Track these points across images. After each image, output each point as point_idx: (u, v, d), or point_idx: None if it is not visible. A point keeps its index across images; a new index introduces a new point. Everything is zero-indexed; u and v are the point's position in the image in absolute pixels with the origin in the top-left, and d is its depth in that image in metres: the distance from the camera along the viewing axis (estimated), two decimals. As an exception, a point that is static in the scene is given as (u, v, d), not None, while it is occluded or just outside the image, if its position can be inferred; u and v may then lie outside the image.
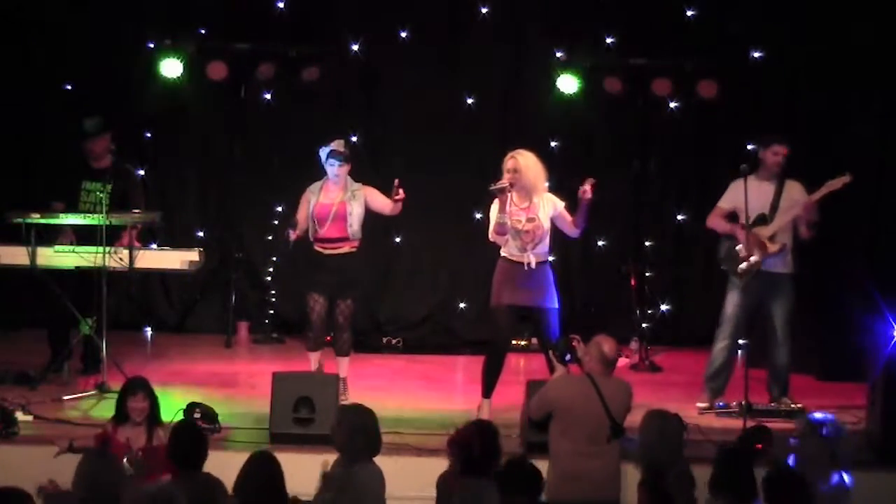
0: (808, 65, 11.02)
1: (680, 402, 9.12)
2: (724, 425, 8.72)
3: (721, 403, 9.21)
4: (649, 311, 11.45)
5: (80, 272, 9.27)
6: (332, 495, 6.29)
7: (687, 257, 11.72)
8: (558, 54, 11.43)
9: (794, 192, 9.19)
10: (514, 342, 10.43)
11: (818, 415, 7.13)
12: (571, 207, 8.77)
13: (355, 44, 11.54)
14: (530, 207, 8.69)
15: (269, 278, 11.82)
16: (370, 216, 9.41)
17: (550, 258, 8.91)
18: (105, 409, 8.37)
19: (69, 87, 11.52)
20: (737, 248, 9.20)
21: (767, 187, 9.14)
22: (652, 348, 11.12)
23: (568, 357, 7.53)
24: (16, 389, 9.05)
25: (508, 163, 8.68)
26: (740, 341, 10.11)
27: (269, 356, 11.07)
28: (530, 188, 8.66)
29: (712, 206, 9.39)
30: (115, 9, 11.36)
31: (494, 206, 8.67)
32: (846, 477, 6.54)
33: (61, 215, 9.37)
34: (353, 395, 9.18)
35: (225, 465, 6.43)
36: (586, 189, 8.53)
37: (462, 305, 11.79)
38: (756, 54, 11.23)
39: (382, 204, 9.30)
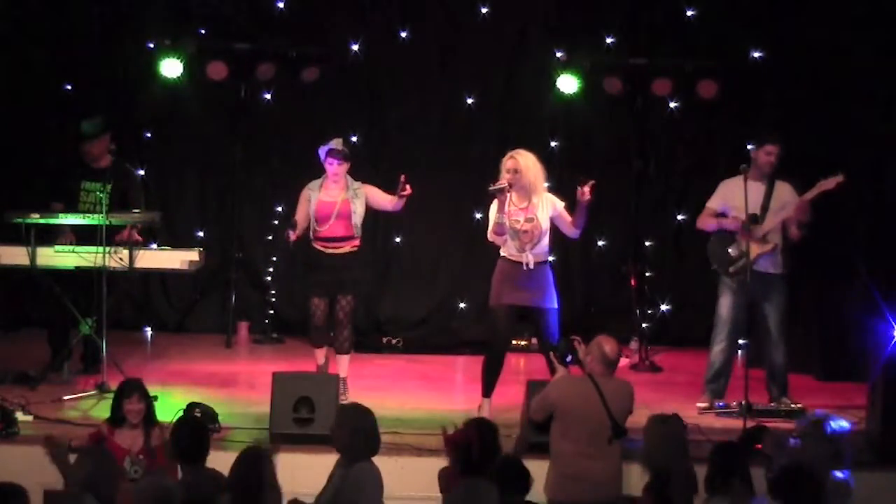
0: (808, 65, 11.02)
1: (680, 402, 9.12)
2: (724, 425, 8.73)
3: (721, 403, 9.21)
4: (649, 311, 11.45)
5: (80, 272, 9.27)
6: (332, 495, 6.29)
7: (687, 257, 11.72)
8: (558, 54, 11.43)
9: (784, 192, 9.19)
10: (514, 342, 10.44)
11: (821, 413, 7.13)
12: (571, 208, 8.77)
13: (355, 44, 11.54)
14: (529, 207, 8.69)
15: (269, 278, 11.82)
16: (369, 215, 9.42)
17: (550, 258, 8.92)
18: (105, 410, 8.33)
19: (69, 88, 11.52)
20: (728, 248, 9.22)
21: (758, 187, 9.14)
22: (652, 348, 11.12)
23: (569, 358, 7.52)
24: (16, 389, 9.04)
25: (508, 163, 8.68)
26: (740, 341, 10.12)
27: (269, 356, 11.07)
28: (529, 188, 8.67)
29: (712, 206, 9.43)
30: (115, 9, 11.36)
31: (494, 207, 8.68)
32: (847, 475, 6.53)
33: (61, 215, 9.37)
34: (353, 395, 9.19)
35: (225, 465, 6.41)
36: (585, 191, 8.52)
37: (462, 305, 11.79)
38: (756, 54, 11.23)
39: (384, 200, 9.35)
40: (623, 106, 11.47)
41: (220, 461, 6.57)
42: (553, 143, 11.62)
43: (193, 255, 9.51)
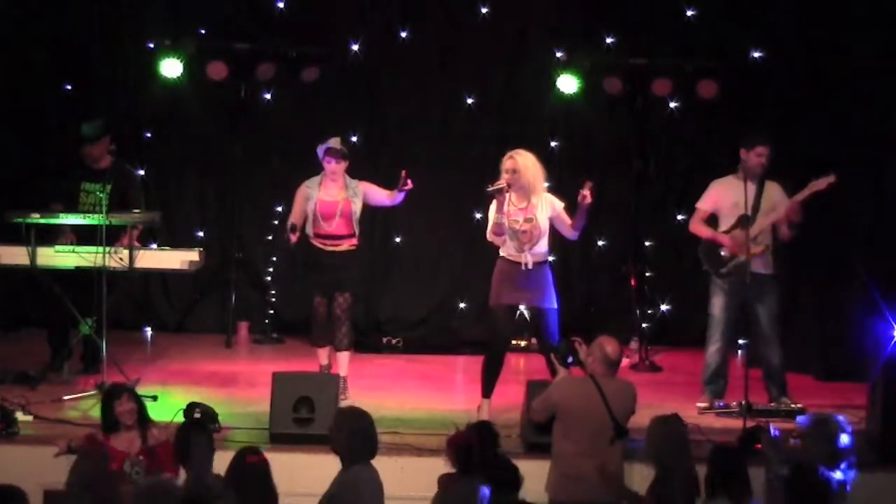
0: (808, 65, 11.01)
1: (680, 402, 9.12)
2: (724, 425, 8.72)
3: (721, 403, 9.21)
4: (649, 311, 11.45)
5: (80, 272, 9.27)
6: (327, 500, 6.29)
7: (687, 257, 11.70)
8: (558, 54, 11.43)
9: (774, 192, 9.20)
10: (514, 342, 10.45)
11: (822, 413, 7.13)
12: (571, 208, 8.76)
13: (355, 44, 11.54)
14: (528, 208, 8.68)
15: (269, 278, 11.82)
16: (368, 214, 9.43)
17: (550, 258, 8.91)
18: (105, 409, 8.37)
19: (69, 88, 11.52)
20: (720, 250, 9.22)
21: (748, 188, 9.13)
22: (652, 348, 11.12)
23: (570, 359, 7.51)
24: (16, 389, 9.04)
25: (507, 163, 8.68)
26: (740, 341, 10.15)
27: (269, 356, 11.07)
28: (529, 188, 8.66)
29: (711, 206, 9.43)
30: (115, 9, 11.35)
31: (493, 207, 8.68)
32: (845, 475, 6.53)
33: (61, 215, 9.37)
34: (353, 396, 9.19)
35: (225, 465, 6.42)
36: (585, 194, 8.51)
37: (462, 305, 11.79)
38: (756, 54, 11.23)
39: (382, 196, 9.43)
40: (623, 106, 11.47)
41: (220, 461, 6.56)
42: (553, 143, 11.62)
43: (193, 255, 9.50)
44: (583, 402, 7.08)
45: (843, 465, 6.44)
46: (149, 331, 11.59)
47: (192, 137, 11.83)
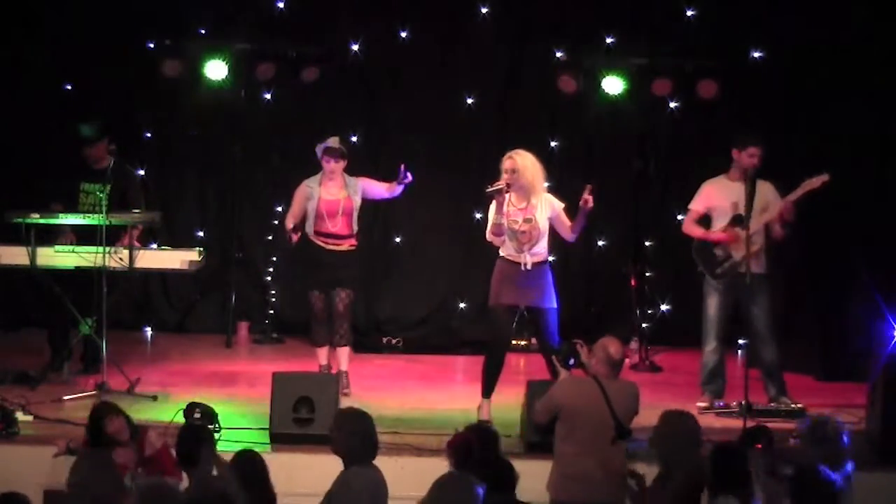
0: (808, 65, 11.01)
1: (680, 402, 9.09)
2: (724, 425, 8.72)
3: (721, 403, 9.21)
4: (649, 311, 11.45)
5: (80, 272, 9.27)
6: (325, 501, 6.28)
7: (687, 257, 11.70)
8: (558, 54, 11.43)
9: (767, 191, 9.20)
10: (514, 342, 10.43)
11: (821, 415, 7.12)
12: (570, 209, 8.76)
13: (355, 44, 11.54)
14: (528, 208, 8.68)
15: (269, 278, 11.82)
16: (369, 213, 9.45)
17: (550, 258, 8.91)
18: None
19: (69, 88, 11.52)
20: (714, 250, 9.23)
21: (740, 187, 9.14)
22: (652, 348, 11.12)
23: (571, 361, 7.51)
24: (16, 389, 9.04)
25: (506, 163, 8.68)
26: (740, 341, 10.14)
27: (269, 356, 11.07)
28: (528, 188, 8.65)
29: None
30: (115, 9, 11.35)
31: (493, 207, 8.68)
32: (842, 478, 6.52)
33: (61, 215, 9.37)
34: (353, 396, 9.20)
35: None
36: (588, 199, 8.50)
37: (462, 305, 11.79)
38: (756, 54, 11.23)
39: (380, 188, 9.53)
40: (623, 106, 11.47)
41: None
42: (553, 143, 11.62)
43: (193, 255, 9.51)
44: (585, 402, 7.06)
45: (843, 467, 6.43)
46: (149, 331, 11.60)
47: (192, 137, 11.82)
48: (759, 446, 7.82)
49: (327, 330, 9.49)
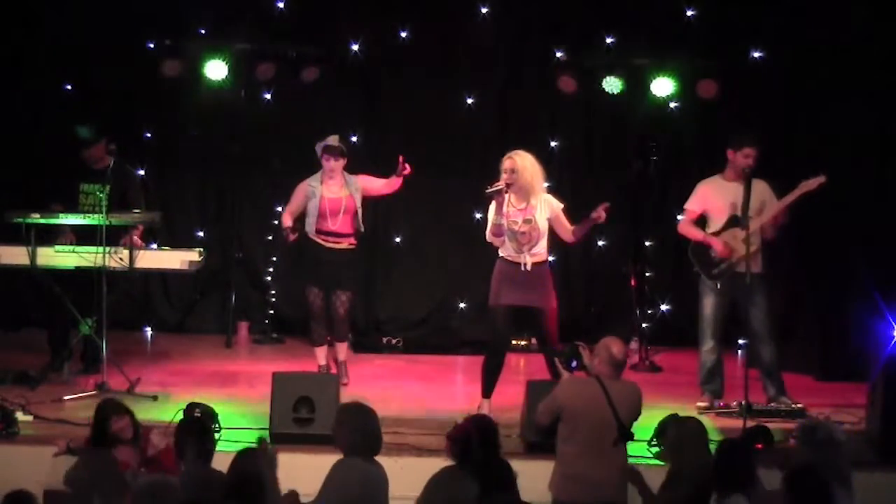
0: (808, 65, 11.01)
1: (680, 402, 9.13)
2: (724, 425, 8.72)
3: (721, 403, 9.21)
4: (649, 311, 11.45)
5: (80, 272, 9.27)
6: (319, 492, 6.29)
7: (687, 257, 11.71)
8: (558, 54, 11.43)
9: (763, 191, 9.20)
10: (514, 342, 10.45)
11: (811, 419, 7.13)
12: (570, 210, 8.76)
13: (355, 44, 11.54)
14: (527, 209, 8.68)
15: (269, 278, 11.83)
16: (370, 214, 9.47)
17: (550, 258, 8.91)
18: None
19: (69, 88, 11.52)
20: (710, 250, 9.23)
21: (736, 187, 9.14)
22: (652, 348, 11.13)
23: (574, 364, 7.50)
24: (16, 389, 9.05)
25: (506, 163, 8.68)
26: (740, 341, 10.14)
27: (269, 356, 11.07)
28: (528, 189, 8.66)
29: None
30: (115, 9, 11.35)
31: (492, 208, 8.68)
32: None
33: (61, 215, 9.37)
34: (354, 396, 9.19)
35: (225, 465, 6.42)
36: (601, 215, 8.51)
37: (462, 305, 11.79)
38: (756, 54, 11.23)
39: (379, 185, 9.62)
40: (623, 106, 11.47)
41: (221, 461, 6.57)
42: (553, 143, 11.62)
43: (193, 255, 9.52)
44: (587, 403, 7.05)
45: (837, 474, 6.40)
46: (149, 331, 11.59)
47: (192, 137, 11.82)
48: (760, 446, 7.83)
49: (326, 328, 9.51)
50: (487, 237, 8.76)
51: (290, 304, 11.60)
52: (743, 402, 8.73)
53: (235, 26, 11.48)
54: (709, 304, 9.32)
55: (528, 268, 8.64)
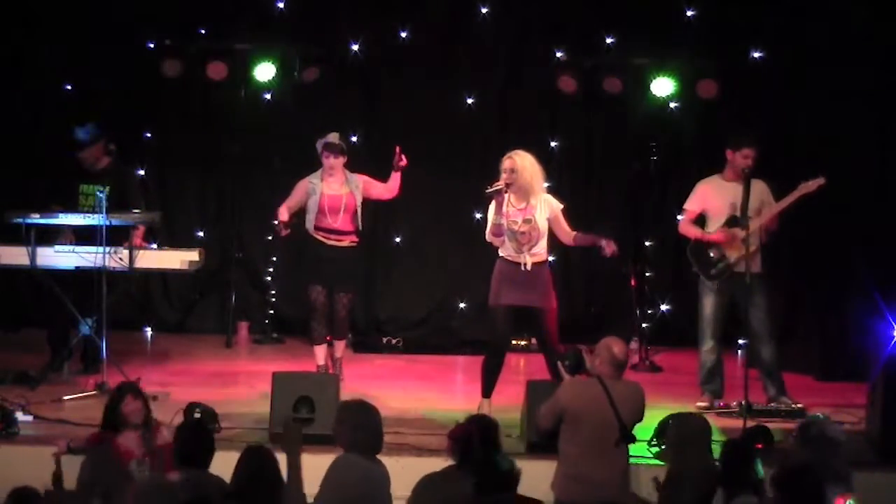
0: (808, 65, 11.02)
1: (680, 403, 9.12)
2: (724, 425, 8.72)
3: (721, 403, 9.21)
4: (649, 311, 11.45)
5: (80, 272, 9.27)
6: (334, 493, 6.28)
7: (687, 257, 11.71)
8: (558, 54, 11.43)
9: (762, 191, 9.20)
10: (514, 342, 10.44)
11: (809, 416, 7.12)
12: (570, 210, 8.75)
13: (355, 44, 11.54)
14: (527, 209, 8.68)
15: (269, 278, 11.83)
16: (369, 214, 9.48)
17: (550, 258, 8.91)
18: (105, 410, 8.36)
19: (69, 88, 11.52)
20: (709, 251, 9.23)
21: (734, 188, 9.15)
22: (652, 348, 11.12)
23: (577, 368, 7.50)
24: (16, 389, 9.04)
25: (506, 163, 8.68)
26: (740, 341, 10.14)
27: (269, 356, 11.07)
28: (527, 189, 8.66)
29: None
30: (115, 9, 11.35)
31: (492, 208, 8.68)
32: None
33: (61, 215, 9.37)
34: (353, 395, 9.19)
35: (225, 465, 6.41)
36: (613, 248, 8.54)
37: (462, 305, 11.79)
38: (756, 54, 11.23)
39: (380, 189, 9.60)
40: (623, 106, 11.47)
41: (221, 461, 6.56)
42: (553, 143, 11.63)
43: (193, 255, 9.52)
44: (589, 404, 7.04)
45: (834, 474, 6.39)
46: (149, 331, 11.59)
47: (192, 137, 11.83)
48: (760, 446, 7.82)
49: (325, 327, 9.52)
50: (487, 237, 8.76)
51: (290, 304, 11.60)
52: (743, 402, 8.73)
53: (235, 26, 11.49)
54: (708, 304, 9.33)
55: (528, 268, 8.64)
